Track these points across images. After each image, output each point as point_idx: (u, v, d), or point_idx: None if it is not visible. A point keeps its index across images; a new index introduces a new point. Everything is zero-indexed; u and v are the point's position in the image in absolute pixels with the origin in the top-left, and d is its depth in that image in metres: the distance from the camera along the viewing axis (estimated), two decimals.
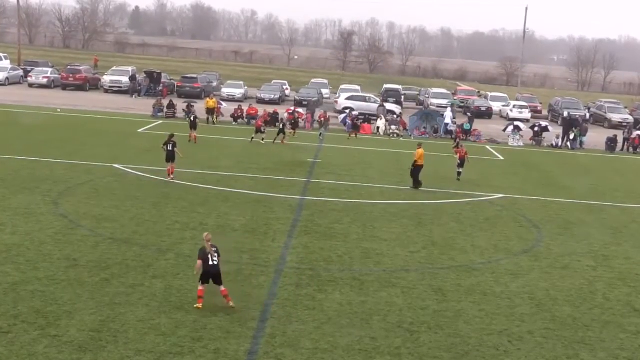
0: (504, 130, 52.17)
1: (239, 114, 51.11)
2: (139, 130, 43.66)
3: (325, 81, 79.85)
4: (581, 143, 50.75)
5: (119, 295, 16.71)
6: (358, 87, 71.90)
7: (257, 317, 16.01)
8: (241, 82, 71.15)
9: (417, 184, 31.35)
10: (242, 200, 27.09)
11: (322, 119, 48.47)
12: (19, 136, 38.29)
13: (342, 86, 71.83)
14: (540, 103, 74.49)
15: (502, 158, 42.89)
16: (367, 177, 33.38)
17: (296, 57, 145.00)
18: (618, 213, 29.71)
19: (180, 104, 52.02)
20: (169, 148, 29.18)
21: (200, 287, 16.36)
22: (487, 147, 47.83)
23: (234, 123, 50.06)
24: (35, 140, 36.99)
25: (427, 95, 71.89)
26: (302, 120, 50.89)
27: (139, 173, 30.52)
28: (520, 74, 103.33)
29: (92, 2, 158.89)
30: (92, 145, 36.73)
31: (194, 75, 69.42)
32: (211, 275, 16.27)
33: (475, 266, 20.98)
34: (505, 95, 76.13)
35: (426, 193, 30.84)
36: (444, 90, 74.24)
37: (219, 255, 16.31)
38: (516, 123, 52.37)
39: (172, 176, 29.34)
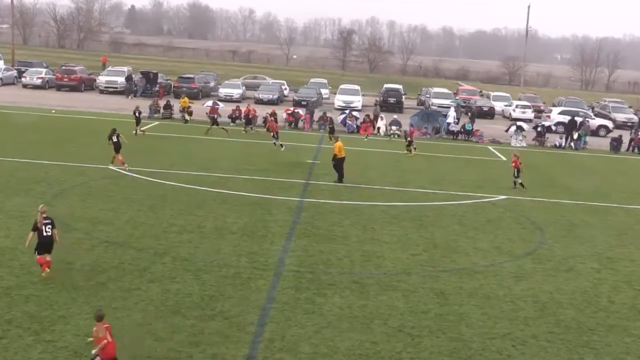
0: (507, 130, 51.90)
1: (237, 115, 50.77)
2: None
3: (325, 81, 79.58)
4: (584, 143, 50.49)
5: (115, 299, 16.47)
6: (357, 87, 71.58)
7: (255, 322, 15.80)
8: (239, 82, 70.84)
9: (341, 177, 31.31)
10: (239, 202, 26.79)
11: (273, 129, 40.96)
12: (13, 137, 37.94)
13: (342, 86, 71.56)
14: (544, 102, 74.24)
15: (504, 159, 42.47)
16: (366, 178, 33.07)
17: (295, 56, 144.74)
18: (623, 214, 29.41)
19: (177, 105, 51.82)
20: (114, 140, 31.07)
21: (38, 257, 17.46)
22: (490, 147, 47.57)
23: (231, 124, 49.66)
24: (29, 142, 36.68)
25: (428, 95, 71.59)
26: (302, 120, 50.69)
27: (135, 175, 30.21)
28: (522, 73, 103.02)
29: (87, 1, 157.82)
30: (87, 147, 36.37)
31: (191, 75, 69.14)
32: (45, 244, 17.43)
33: (478, 269, 20.71)
34: (508, 95, 75.88)
35: (427, 194, 30.59)
36: (445, 90, 73.87)
37: (52, 227, 17.52)
38: (519, 123, 52.14)
39: (125, 165, 30.70)
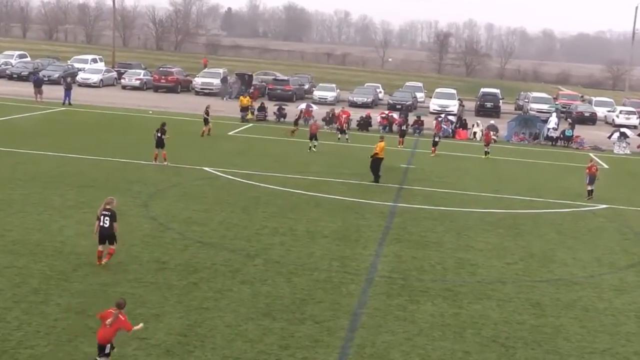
0: (609, 137, 50.12)
1: (330, 118, 50.64)
2: (229, 133, 43.93)
3: (420, 84, 78.92)
4: None
5: (207, 299, 16.60)
6: (454, 91, 70.63)
7: (346, 327, 15.65)
8: (333, 85, 70.93)
9: (377, 178, 30.98)
10: (332, 206, 26.73)
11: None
12: (112, 138, 38.97)
13: (438, 89, 70.82)
14: None
15: (606, 166, 41.02)
16: (462, 185, 32.53)
17: (390, 59, 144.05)
18: None
19: (272, 107, 52.23)
20: (158, 135, 31.24)
21: (99, 248, 18.11)
22: (591, 154, 45.95)
23: (325, 127, 49.54)
24: (126, 142, 37.64)
25: (526, 100, 70.01)
26: (396, 124, 50.37)
27: (229, 176, 30.56)
28: (627, 77, 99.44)
29: (185, 4, 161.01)
30: (182, 148, 36.92)
31: (286, 78, 69.65)
32: (103, 235, 17.95)
33: (576, 280, 20.01)
34: (611, 100, 73.36)
35: (523, 202, 29.82)
36: (544, 95, 72.02)
37: (112, 220, 17.84)
38: (622, 130, 50.27)
39: (166, 162, 31.18)
